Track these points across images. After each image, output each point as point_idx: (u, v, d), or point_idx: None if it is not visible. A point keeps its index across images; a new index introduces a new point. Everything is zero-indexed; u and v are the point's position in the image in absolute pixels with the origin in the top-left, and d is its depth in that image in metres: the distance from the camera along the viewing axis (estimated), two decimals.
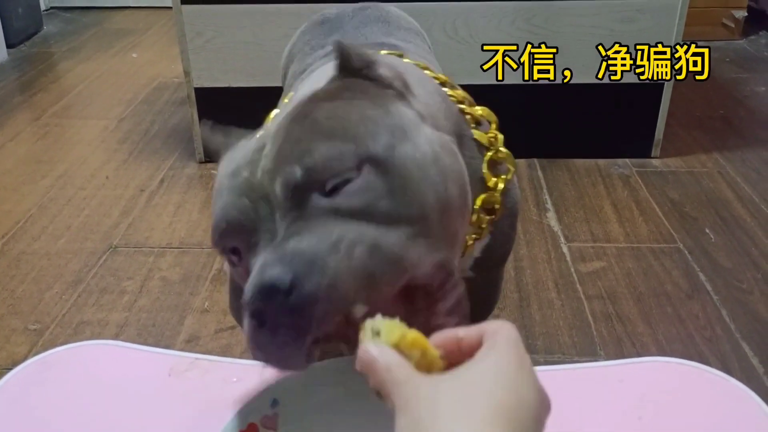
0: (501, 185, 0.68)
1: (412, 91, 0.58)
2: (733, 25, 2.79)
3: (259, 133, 0.57)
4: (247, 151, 0.54)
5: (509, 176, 0.69)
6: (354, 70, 0.56)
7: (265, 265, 0.44)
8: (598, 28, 1.74)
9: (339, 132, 0.48)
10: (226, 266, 0.91)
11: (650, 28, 1.74)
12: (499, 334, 0.41)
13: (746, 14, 2.79)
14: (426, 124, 0.54)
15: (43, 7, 3.25)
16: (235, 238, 0.50)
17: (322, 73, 0.68)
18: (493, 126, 0.71)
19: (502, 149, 0.69)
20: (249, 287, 0.44)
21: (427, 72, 0.72)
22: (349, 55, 0.55)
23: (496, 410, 0.37)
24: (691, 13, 1.72)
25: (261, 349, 0.46)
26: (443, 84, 0.71)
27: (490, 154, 0.69)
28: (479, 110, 0.71)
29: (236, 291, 0.90)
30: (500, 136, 0.69)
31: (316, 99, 0.53)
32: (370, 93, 0.54)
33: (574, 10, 1.73)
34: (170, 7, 1.74)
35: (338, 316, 0.44)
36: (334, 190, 0.46)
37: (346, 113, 0.50)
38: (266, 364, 0.48)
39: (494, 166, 0.69)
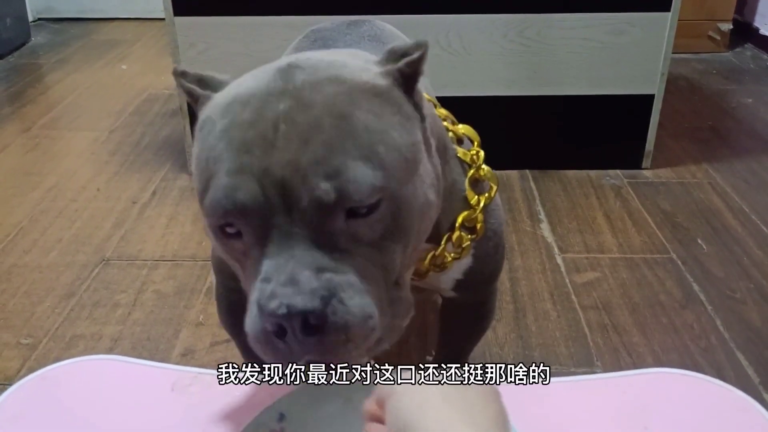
0: (483, 202, 0.68)
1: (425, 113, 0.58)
2: (719, 38, 2.82)
3: (272, 67, 0.56)
4: (260, 100, 0.51)
5: (492, 194, 0.70)
6: (408, 75, 0.55)
7: (302, 290, 0.46)
8: (589, 41, 1.76)
9: (374, 154, 0.49)
10: (214, 279, 0.88)
11: (640, 40, 1.76)
12: None
13: (732, 27, 2.82)
14: (427, 155, 0.56)
15: (31, 18, 3.24)
16: (239, 221, 0.49)
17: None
18: (476, 143, 0.71)
19: (484, 167, 0.69)
20: (278, 300, 0.46)
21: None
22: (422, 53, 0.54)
23: None
24: (677, 25, 1.74)
25: (265, 344, 0.49)
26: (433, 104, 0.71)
27: (472, 171, 0.69)
28: (461, 128, 0.72)
29: (230, 306, 0.87)
30: (482, 153, 0.70)
31: (356, 92, 0.51)
32: (404, 111, 0.54)
33: (565, 22, 1.75)
34: (159, 19, 1.74)
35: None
36: (353, 214, 0.49)
37: (383, 132, 0.50)
38: (264, 355, 0.50)
39: (476, 183, 0.69)
